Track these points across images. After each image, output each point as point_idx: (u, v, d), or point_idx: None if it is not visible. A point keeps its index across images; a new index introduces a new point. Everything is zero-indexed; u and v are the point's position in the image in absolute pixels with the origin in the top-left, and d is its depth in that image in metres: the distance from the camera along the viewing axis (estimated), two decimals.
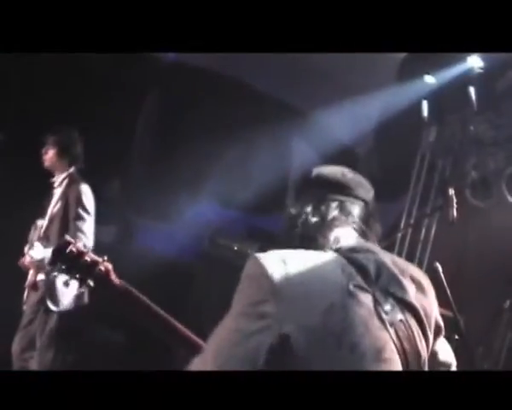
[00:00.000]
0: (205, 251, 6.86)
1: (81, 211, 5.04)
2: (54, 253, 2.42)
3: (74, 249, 2.39)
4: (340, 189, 2.18)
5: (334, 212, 2.13)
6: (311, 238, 2.08)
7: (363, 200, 2.20)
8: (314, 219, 2.12)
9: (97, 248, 5.34)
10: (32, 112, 6.52)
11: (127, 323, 6.50)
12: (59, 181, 5.22)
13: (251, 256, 1.96)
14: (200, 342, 2.36)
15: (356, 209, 2.17)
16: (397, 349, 1.95)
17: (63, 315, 4.99)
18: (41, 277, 5.00)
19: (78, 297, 5.00)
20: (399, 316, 1.98)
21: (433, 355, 2.11)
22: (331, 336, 1.86)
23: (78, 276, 2.40)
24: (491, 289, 5.02)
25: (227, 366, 1.83)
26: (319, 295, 1.90)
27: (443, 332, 2.14)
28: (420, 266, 6.78)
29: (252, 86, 7.35)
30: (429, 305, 2.08)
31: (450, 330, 4.06)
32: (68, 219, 5.04)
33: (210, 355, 1.88)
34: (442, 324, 2.13)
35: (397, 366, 1.94)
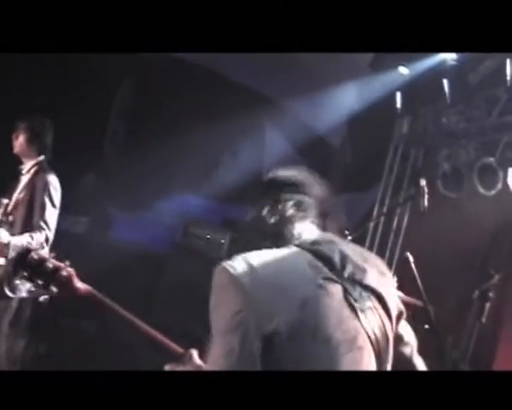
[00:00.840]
0: (178, 240, 6.85)
1: (47, 201, 5.01)
2: (15, 261, 2.40)
3: (36, 256, 2.37)
4: (295, 188, 2.24)
5: (290, 210, 2.19)
6: (273, 236, 2.14)
7: (317, 197, 2.26)
8: (273, 220, 2.18)
9: (72, 240, 5.34)
10: (2, 101, 6.45)
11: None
12: (27, 168, 5.18)
13: (218, 266, 1.98)
14: (166, 341, 2.36)
15: (311, 206, 2.23)
16: (368, 337, 2.01)
17: (34, 304, 4.97)
18: (2, 260, 4.95)
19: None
20: (368, 303, 2.04)
21: (398, 338, 2.18)
22: (306, 330, 1.91)
23: (40, 283, 2.38)
24: (461, 279, 5.08)
25: None
26: (291, 292, 1.94)
27: (404, 315, 2.22)
28: (392, 255, 6.86)
29: (225, 76, 7.34)
30: (390, 289, 2.16)
31: (421, 319, 4.11)
32: (33, 208, 5.00)
33: None
34: (403, 307, 2.21)
35: (369, 353, 2.00)
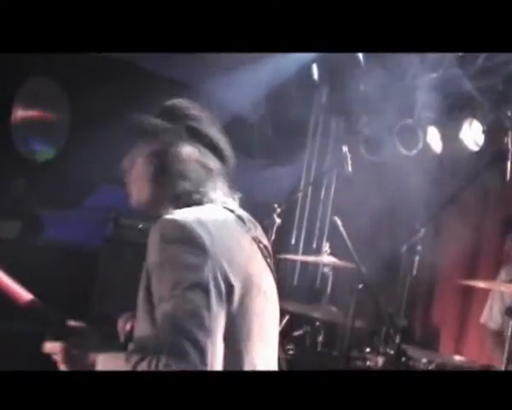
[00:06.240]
0: (109, 234, 6.81)
1: None
2: None
3: None
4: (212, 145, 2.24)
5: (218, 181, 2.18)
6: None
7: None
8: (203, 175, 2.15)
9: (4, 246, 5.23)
10: None
11: None
12: None
13: (163, 219, 1.91)
14: (22, 293, 2.13)
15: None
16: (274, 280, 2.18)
17: None
18: None
19: None
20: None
21: None
22: (253, 283, 1.98)
23: None
24: (390, 237, 5.20)
25: (187, 329, 1.74)
26: (238, 247, 2.00)
27: None
28: (322, 223, 7.02)
29: (137, 64, 7.25)
30: None
31: (355, 279, 4.23)
32: None
33: (168, 328, 1.77)
34: None
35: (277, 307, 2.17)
